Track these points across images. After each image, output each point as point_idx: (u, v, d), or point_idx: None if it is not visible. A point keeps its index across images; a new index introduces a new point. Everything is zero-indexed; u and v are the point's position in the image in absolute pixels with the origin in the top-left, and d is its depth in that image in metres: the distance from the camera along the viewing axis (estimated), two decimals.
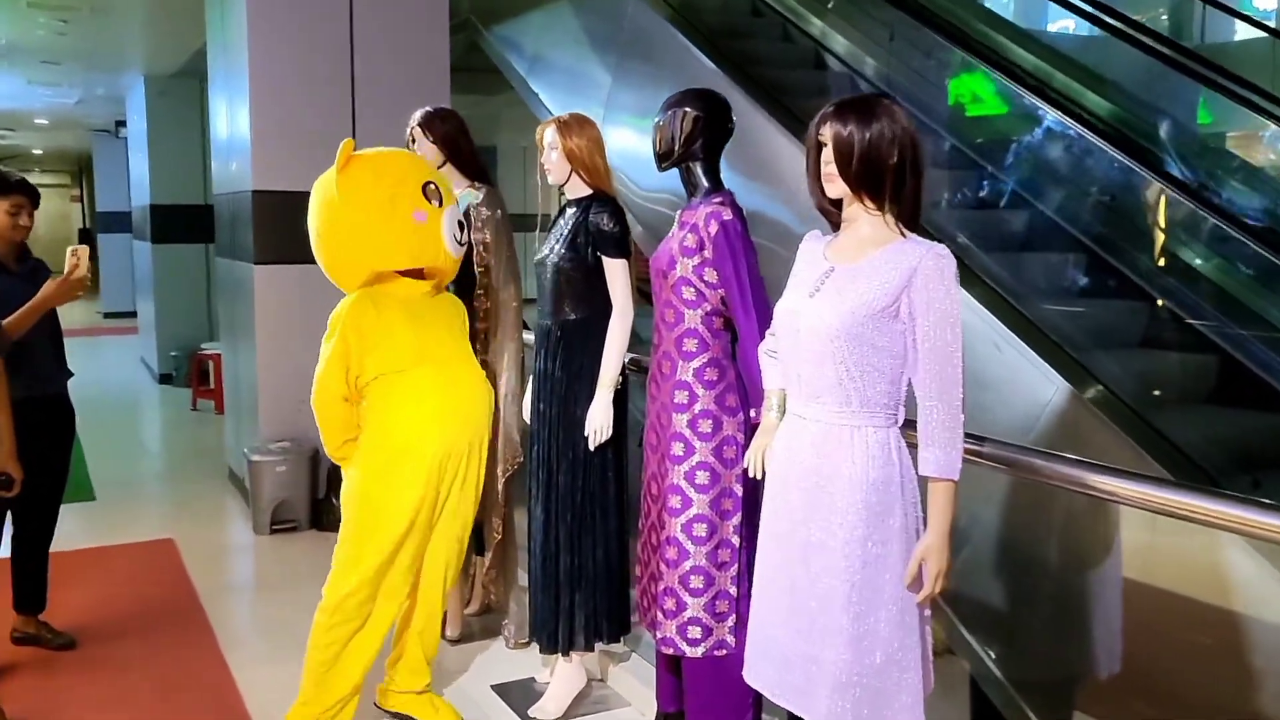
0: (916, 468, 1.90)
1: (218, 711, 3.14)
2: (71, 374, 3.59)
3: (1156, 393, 3.81)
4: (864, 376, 1.87)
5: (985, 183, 4.67)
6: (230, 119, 5.36)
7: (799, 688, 1.96)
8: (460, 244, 2.77)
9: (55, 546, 4.17)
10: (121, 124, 12.21)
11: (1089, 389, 3.33)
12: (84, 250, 3.23)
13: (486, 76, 7.18)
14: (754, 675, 2.08)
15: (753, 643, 2.09)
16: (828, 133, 1.89)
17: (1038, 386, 3.36)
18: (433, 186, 2.71)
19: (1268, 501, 1.72)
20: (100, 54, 8.19)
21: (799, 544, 1.95)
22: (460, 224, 2.79)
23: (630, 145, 4.67)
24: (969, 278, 3.66)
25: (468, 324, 2.95)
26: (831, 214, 1.99)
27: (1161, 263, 4.09)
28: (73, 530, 5.00)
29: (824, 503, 1.90)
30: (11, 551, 3.53)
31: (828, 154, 1.89)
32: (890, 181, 1.88)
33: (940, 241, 1.89)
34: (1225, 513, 1.79)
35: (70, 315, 13.22)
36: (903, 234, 1.91)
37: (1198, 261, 4.05)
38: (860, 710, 1.88)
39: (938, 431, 1.84)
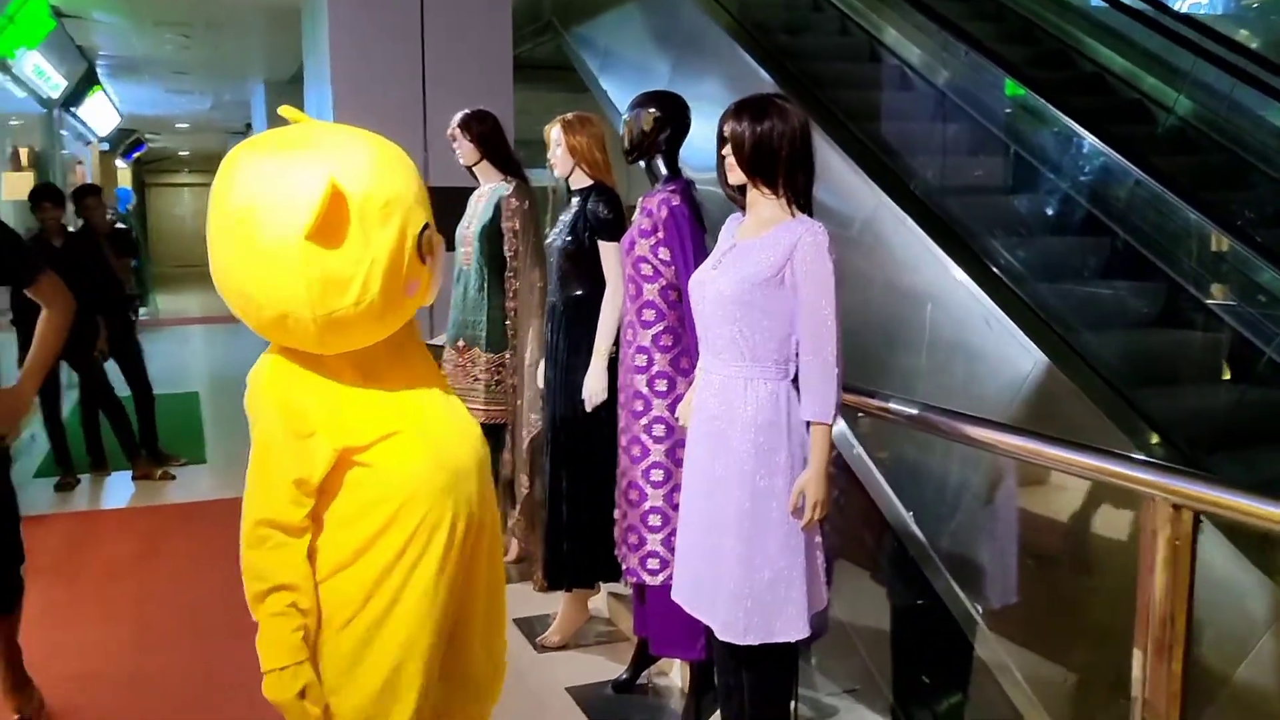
0: None
1: None
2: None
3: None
4: (755, 336, 2.20)
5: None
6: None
7: (706, 601, 2.31)
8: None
9: (167, 499, 4.88)
10: (250, 126, 13.20)
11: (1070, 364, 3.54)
12: None
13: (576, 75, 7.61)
14: (678, 592, 2.43)
15: (677, 565, 2.44)
16: (727, 130, 2.23)
17: (1020, 360, 3.60)
18: (427, 234, 1.71)
19: (1097, 446, 1.98)
20: (222, 64, 9.01)
21: (705, 479, 2.29)
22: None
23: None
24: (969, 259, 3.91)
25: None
26: (737, 199, 2.32)
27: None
28: (181, 487, 5.71)
29: (723, 443, 2.24)
30: None
31: (728, 148, 2.23)
32: (781, 170, 2.20)
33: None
34: (1078, 461, 2.05)
35: (209, 305, 14.38)
36: (793, 214, 2.22)
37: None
38: (751, 619, 2.21)
39: (814, 382, 2.16)
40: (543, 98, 8.34)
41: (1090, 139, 3.88)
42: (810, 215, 2.24)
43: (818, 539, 2.27)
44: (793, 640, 2.24)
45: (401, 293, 1.68)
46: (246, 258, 1.63)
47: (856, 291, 4.30)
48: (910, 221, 4.04)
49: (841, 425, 4.07)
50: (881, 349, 4.15)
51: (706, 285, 2.27)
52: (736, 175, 2.24)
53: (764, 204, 2.25)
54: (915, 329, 4.04)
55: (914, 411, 2.34)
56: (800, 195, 2.23)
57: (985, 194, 4.58)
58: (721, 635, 2.26)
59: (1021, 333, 3.59)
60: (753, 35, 5.42)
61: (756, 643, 2.22)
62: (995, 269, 3.86)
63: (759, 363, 2.21)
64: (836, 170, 4.43)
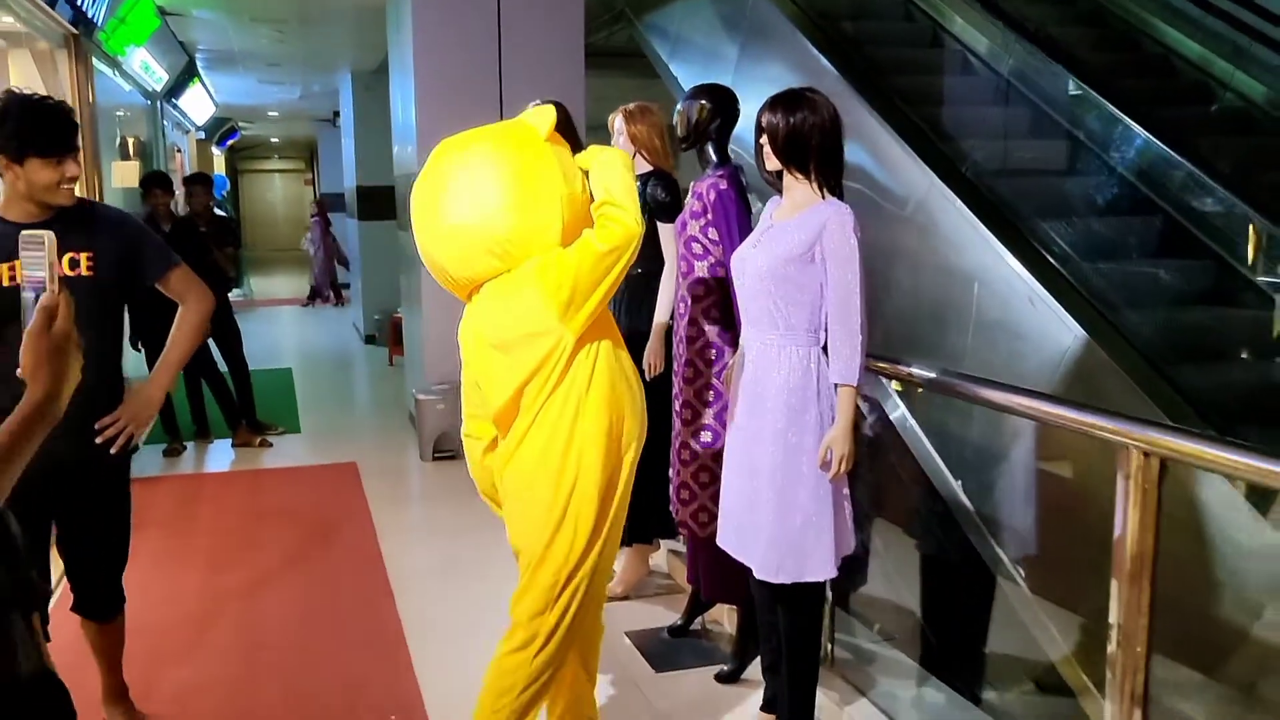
0: None
1: (367, 577, 4.04)
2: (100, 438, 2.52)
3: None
4: (788, 307, 2.45)
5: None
6: (403, 110, 6.30)
7: (746, 545, 2.57)
8: None
9: (264, 464, 5.32)
10: (338, 114, 13.72)
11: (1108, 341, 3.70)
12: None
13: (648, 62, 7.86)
14: (722, 538, 2.70)
15: (721, 514, 2.71)
16: (764, 121, 2.47)
17: (1060, 336, 3.77)
18: None
19: (1080, 401, 2.19)
20: (312, 56, 9.46)
21: (744, 436, 2.56)
22: None
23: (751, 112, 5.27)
24: (1016, 240, 4.08)
25: None
26: (774, 184, 2.56)
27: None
28: (277, 453, 6.14)
29: (759, 404, 2.50)
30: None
31: (764, 138, 2.47)
32: (812, 158, 2.44)
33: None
34: (1063, 414, 2.28)
35: (299, 287, 14.97)
36: (823, 197, 2.46)
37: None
38: (785, 561, 2.47)
39: (840, 348, 2.40)
40: (617, 84, 8.61)
41: (1128, 121, 4.01)
42: (840, 198, 2.48)
43: (845, 490, 2.52)
44: (821, 580, 2.49)
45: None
46: (505, 176, 2.28)
47: (908, 271, 4.51)
48: (959, 203, 4.22)
49: (901, 409, 4.29)
50: (931, 326, 4.35)
51: (746, 262, 2.52)
52: (773, 163, 2.48)
53: (797, 188, 2.49)
54: (963, 307, 4.22)
55: (931, 375, 2.58)
56: (830, 180, 2.46)
57: (1034, 176, 4.72)
58: (758, 575, 2.53)
59: (1063, 310, 3.76)
60: (815, 22, 5.61)
61: (789, 581, 2.48)
62: (1040, 249, 4.02)
63: (792, 331, 2.46)
64: (893, 153, 4.62)
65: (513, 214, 2.26)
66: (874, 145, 4.73)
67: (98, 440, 2.49)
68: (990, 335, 4.09)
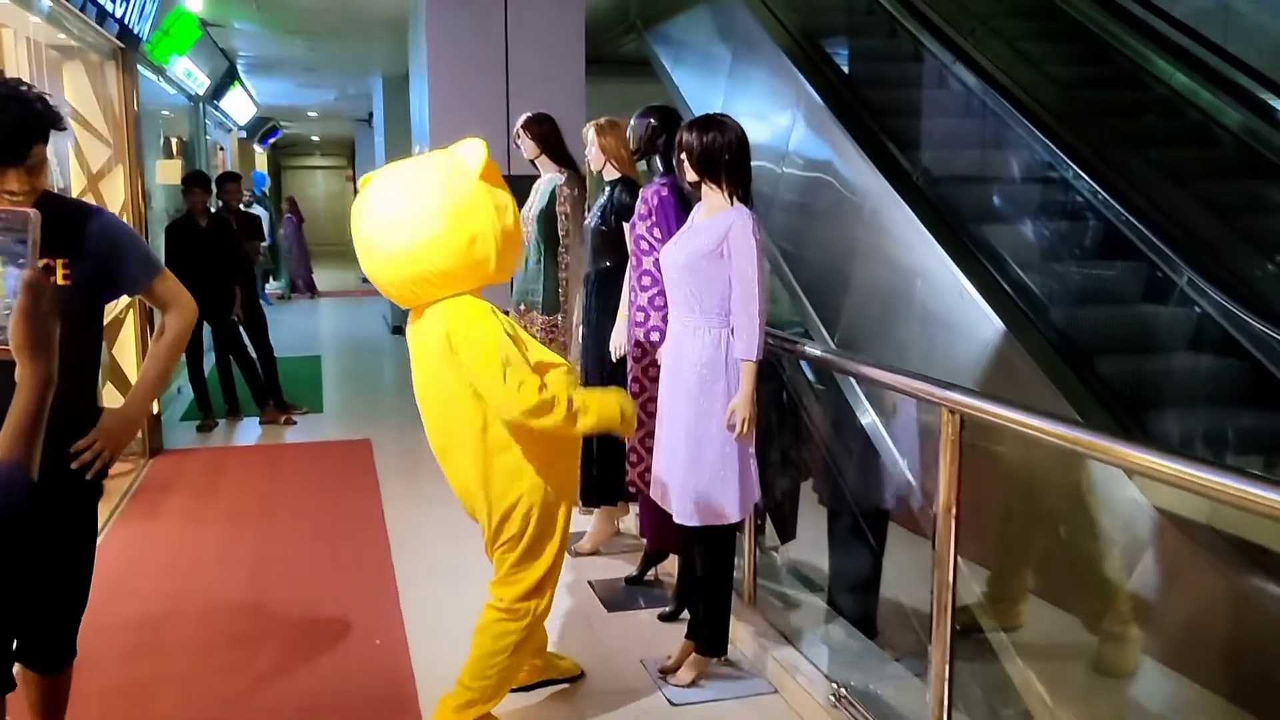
0: None
1: (369, 534, 4.57)
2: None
3: None
4: (702, 295, 2.92)
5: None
6: (419, 114, 6.84)
7: (667, 495, 3.06)
8: None
9: (287, 439, 5.88)
10: (372, 114, 14.33)
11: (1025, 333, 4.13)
12: None
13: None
14: (653, 490, 3.18)
15: (653, 470, 3.19)
16: (683, 140, 2.95)
17: (984, 329, 4.21)
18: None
19: (907, 370, 2.65)
20: (344, 63, 10.05)
21: (667, 404, 3.04)
22: None
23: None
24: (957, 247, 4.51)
25: None
26: (694, 193, 3.04)
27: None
28: (300, 430, 6.70)
29: (679, 376, 2.99)
30: None
31: (683, 154, 2.95)
32: (723, 171, 2.91)
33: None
34: (893, 380, 2.75)
35: (337, 280, 15.58)
36: (732, 204, 2.93)
37: None
38: (696, 507, 2.96)
39: (742, 330, 2.88)
40: (621, 91, 9.10)
41: (1047, 141, 4.44)
42: (748, 205, 2.95)
43: (751, 450, 3.00)
44: (727, 523, 2.97)
45: (521, 235, 2.67)
46: (441, 210, 2.48)
47: (864, 269, 4.97)
48: (906, 207, 4.67)
49: (869, 410, 4.73)
50: (885, 319, 4.80)
51: (669, 256, 3.01)
52: (691, 175, 2.97)
53: (712, 196, 2.97)
54: (909, 302, 4.67)
55: (817, 353, 3.06)
56: (739, 189, 2.93)
57: (976, 183, 5.15)
58: (675, 519, 3.01)
59: (988, 306, 4.19)
60: (795, 39, 6.05)
61: (699, 524, 2.97)
62: (974, 249, 4.46)
63: (705, 315, 2.94)
64: (853, 159, 5.08)
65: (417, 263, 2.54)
66: (841, 153, 5.19)
67: (72, 465, 2.17)
68: (930, 328, 4.53)
